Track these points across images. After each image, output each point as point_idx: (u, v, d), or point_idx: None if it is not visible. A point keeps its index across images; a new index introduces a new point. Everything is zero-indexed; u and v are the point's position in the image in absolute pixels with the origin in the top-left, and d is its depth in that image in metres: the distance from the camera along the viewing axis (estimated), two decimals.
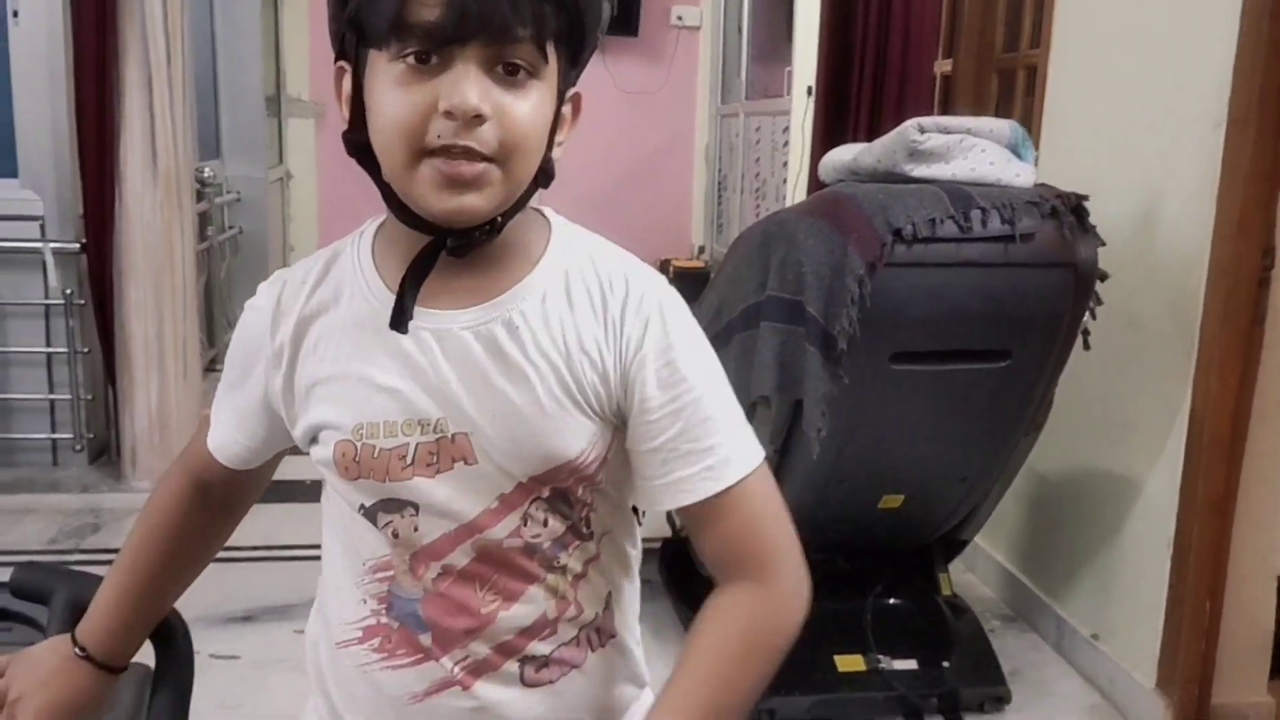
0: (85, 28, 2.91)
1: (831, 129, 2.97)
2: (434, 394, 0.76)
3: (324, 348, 0.80)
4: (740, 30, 5.17)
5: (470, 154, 0.70)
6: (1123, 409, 2.25)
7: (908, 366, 1.89)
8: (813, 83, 3.26)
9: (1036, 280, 1.88)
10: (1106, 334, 2.03)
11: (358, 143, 0.74)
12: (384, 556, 0.80)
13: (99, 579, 0.89)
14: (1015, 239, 1.83)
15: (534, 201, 0.79)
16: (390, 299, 0.77)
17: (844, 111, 2.95)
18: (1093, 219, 1.90)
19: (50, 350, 3.20)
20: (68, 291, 3.11)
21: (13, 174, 3.14)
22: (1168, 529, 2.08)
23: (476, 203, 0.71)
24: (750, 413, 2.01)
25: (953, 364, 1.91)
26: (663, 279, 0.81)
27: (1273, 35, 1.85)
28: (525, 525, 0.78)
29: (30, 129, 3.10)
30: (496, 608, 0.79)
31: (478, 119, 0.69)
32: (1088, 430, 2.36)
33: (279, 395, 0.82)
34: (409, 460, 0.76)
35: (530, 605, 0.79)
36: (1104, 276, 1.91)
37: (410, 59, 0.69)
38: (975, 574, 2.80)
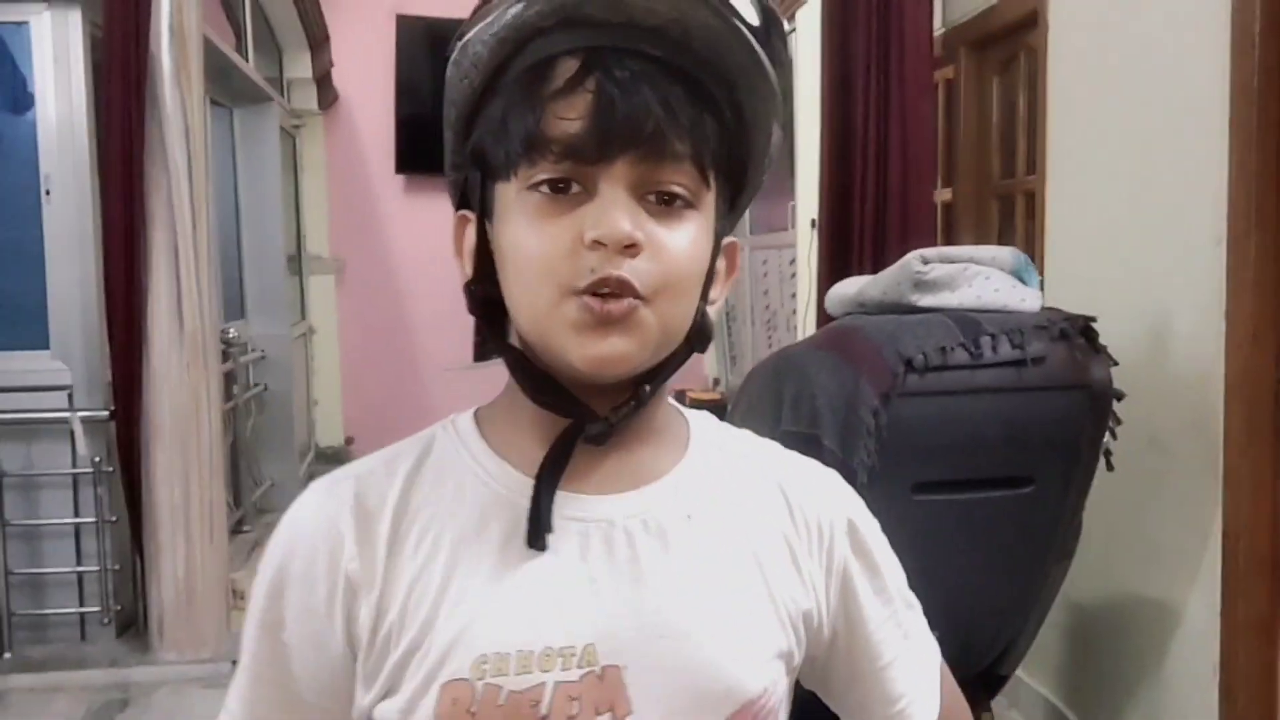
0: (113, 201, 3.03)
1: (836, 260, 3.03)
2: (583, 612, 0.60)
3: (433, 559, 0.61)
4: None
5: (623, 287, 0.57)
6: (1153, 531, 2.21)
7: (930, 497, 1.87)
8: (815, 216, 3.34)
9: (1052, 403, 1.87)
10: (1129, 455, 2.01)
11: (484, 296, 0.63)
12: None
13: None
14: (1027, 363, 1.83)
15: None
16: (524, 484, 0.62)
17: (848, 242, 3.01)
18: (1103, 339, 1.91)
19: (78, 520, 3.22)
20: (96, 459, 3.15)
21: (44, 345, 3.22)
22: (1212, 654, 2.01)
23: (624, 347, 0.58)
24: None
25: (976, 492, 1.89)
26: (831, 474, 0.74)
27: (1262, 153, 1.90)
28: None
29: (61, 301, 3.20)
30: None
31: (631, 248, 0.57)
32: (1120, 555, 2.31)
33: (356, 646, 0.62)
34: (545, 707, 0.58)
35: None
36: (1120, 396, 1.91)
37: (545, 188, 0.58)
38: (1019, 710, 2.70)
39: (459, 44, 0.62)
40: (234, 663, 0.69)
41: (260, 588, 0.64)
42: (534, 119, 0.58)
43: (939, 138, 3.12)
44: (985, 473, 1.89)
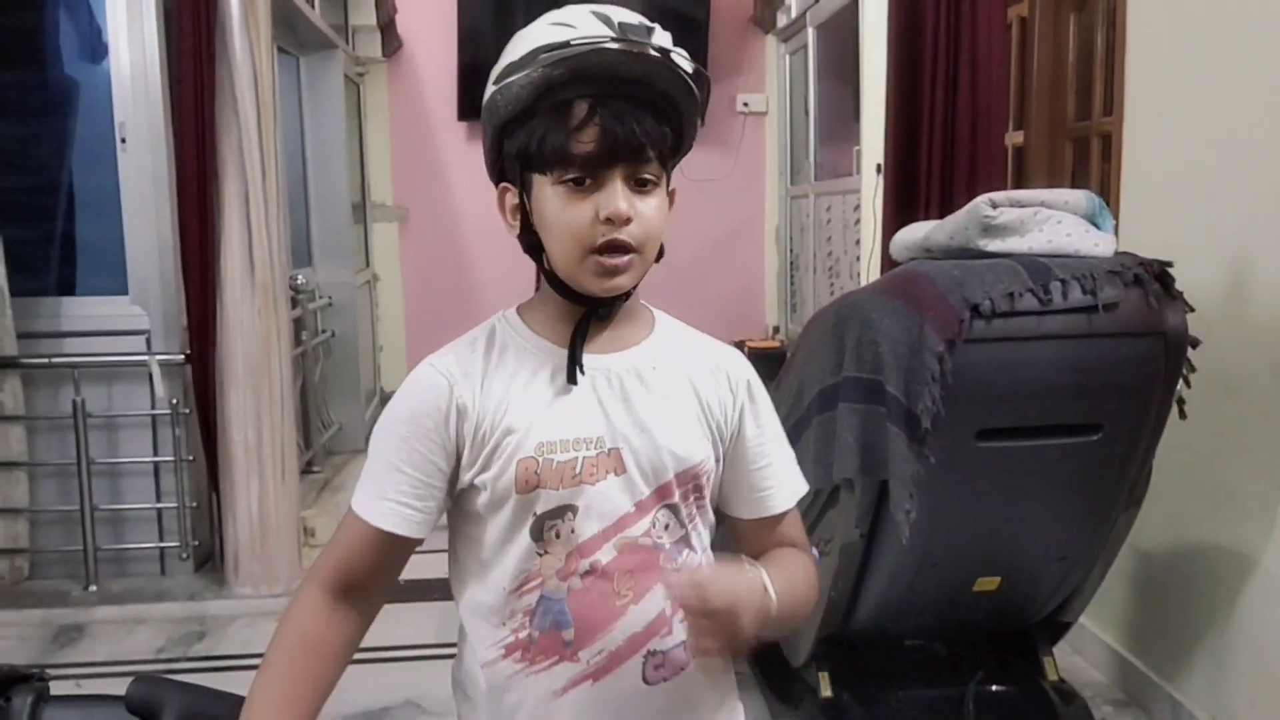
0: (186, 149, 3.09)
1: (902, 206, 2.98)
2: (597, 418, 0.98)
3: (506, 392, 0.98)
4: (807, 112, 5.24)
5: (623, 247, 0.94)
6: (1227, 478, 2.17)
7: (995, 444, 1.86)
8: (881, 161, 3.28)
9: (1123, 350, 1.84)
10: (1203, 402, 1.97)
11: (531, 243, 0.99)
12: (530, 571, 0.98)
13: (209, 691, 0.92)
14: (1098, 309, 1.79)
15: None
16: (558, 351, 1.00)
17: (914, 188, 2.96)
18: (1179, 285, 1.86)
19: (157, 459, 3.33)
20: (173, 401, 3.25)
21: (123, 291, 3.32)
22: None
23: (624, 282, 0.97)
24: (833, 496, 1.99)
25: (1041, 439, 1.87)
26: (743, 359, 1.10)
27: None
28: (654, 527, 0.99)
29: (138, 248, 3.28)
30: (628, 602, 0.97)
31: (627, 221, 0.94)
32: (1191, 502, 2.28)
33: (463, 445, 0.98)
34: (578, 470, 0.97)
35: (653, 603, 0.98)
36: (1195, 343, 1.86)
37: (570, 183, 0.94)
38: (1083, 656, 2.69)
39: (502, 83, 0.96)
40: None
41: (394, 412, 1.00)
42: (563, 140, 0.93)
43: (1011, 78, 3.03)
44: (1051, 420, 1.87)
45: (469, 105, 5.50)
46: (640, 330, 1.05)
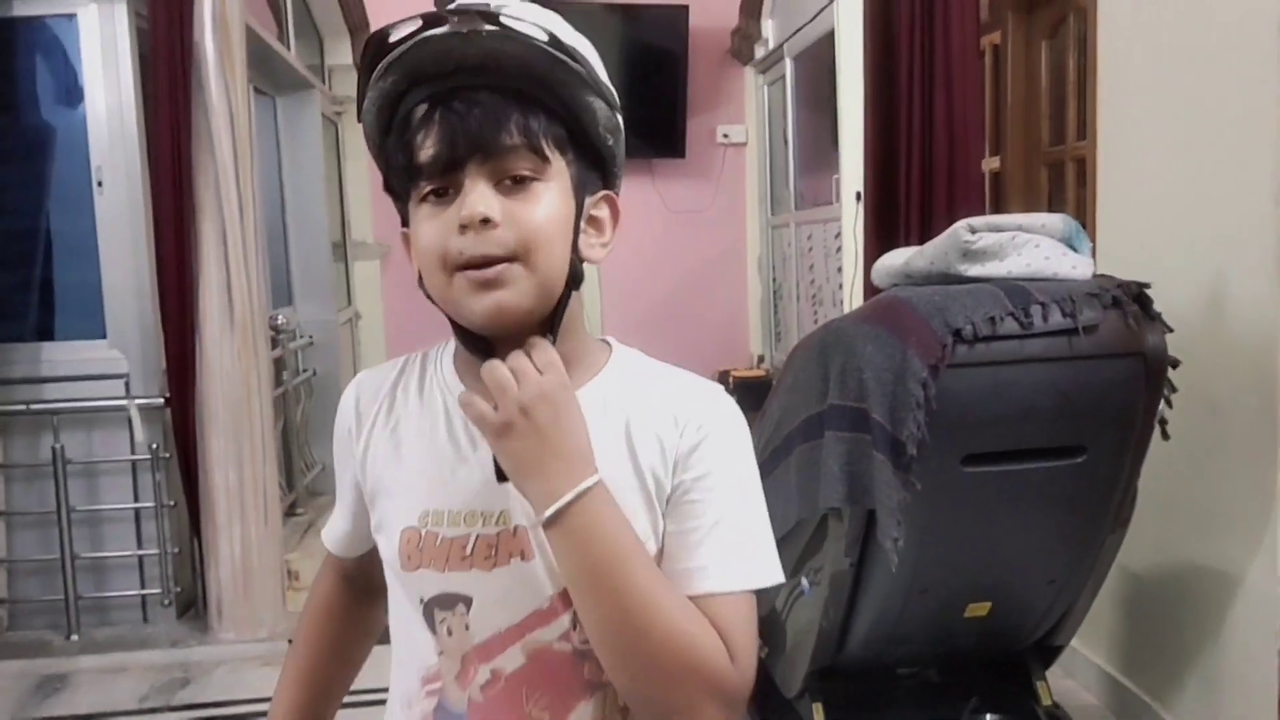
0: (163, 191, 3.08)
1: (882, 233, 2.99)
2: (499, 488, 0.78)
3: (397, 438, 0.86)
4: (786, 142, 5.28)
5: (490, 259, 0.76)
6: (1212, 498, 2.17)
7: (981, 468, 1.85)
8: (861, 189, 3.30)
9: (1105, 372, 1.84)
10: (1186, 422, 1.97)
11: (425, 289, 0.82)
12: (434, 665, 0.82)
13: None
14: (1078, 331, 1.80)
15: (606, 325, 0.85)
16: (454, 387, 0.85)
17: (894, 215, 2.97)
18: (1158, 306, 1.87)
19: (138, 505, 3.29)
20: (153, 446, 3.21)
21: (101, 334, 3.29)
22: (1273, 622, 1.97)
23: (507, 298, 0.77)
24: (822, 525, 1.98)
25: (1027, 463, 1.87)
26: (718, 397, 0.86)
27: None
28: (575, 629, 0.78)
29: (116, 291, 3.26)
30: None
31: (487, 223, 0.76)
32: (1177, 522, 2.27)
33: (364, 485, 0.89)
34: (469, 551, 0.80)
35: None
36: (1175, 363, 1.87)
37: (430, 197, 0.79)
38: (1075, 680, 2.67)
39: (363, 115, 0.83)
40: (290, 641, 0.99)
41: None
42: (407, 155, 0.79)
43: (986, 105, 3.06)
44: (1037, 443, 1.87)
45: None
46: (582, 373, 0.83)
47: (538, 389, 0.75)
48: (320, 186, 4.84)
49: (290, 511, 4.17)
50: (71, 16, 3.25)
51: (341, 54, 5.31)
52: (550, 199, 0.79)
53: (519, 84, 0.78)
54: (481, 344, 0.80)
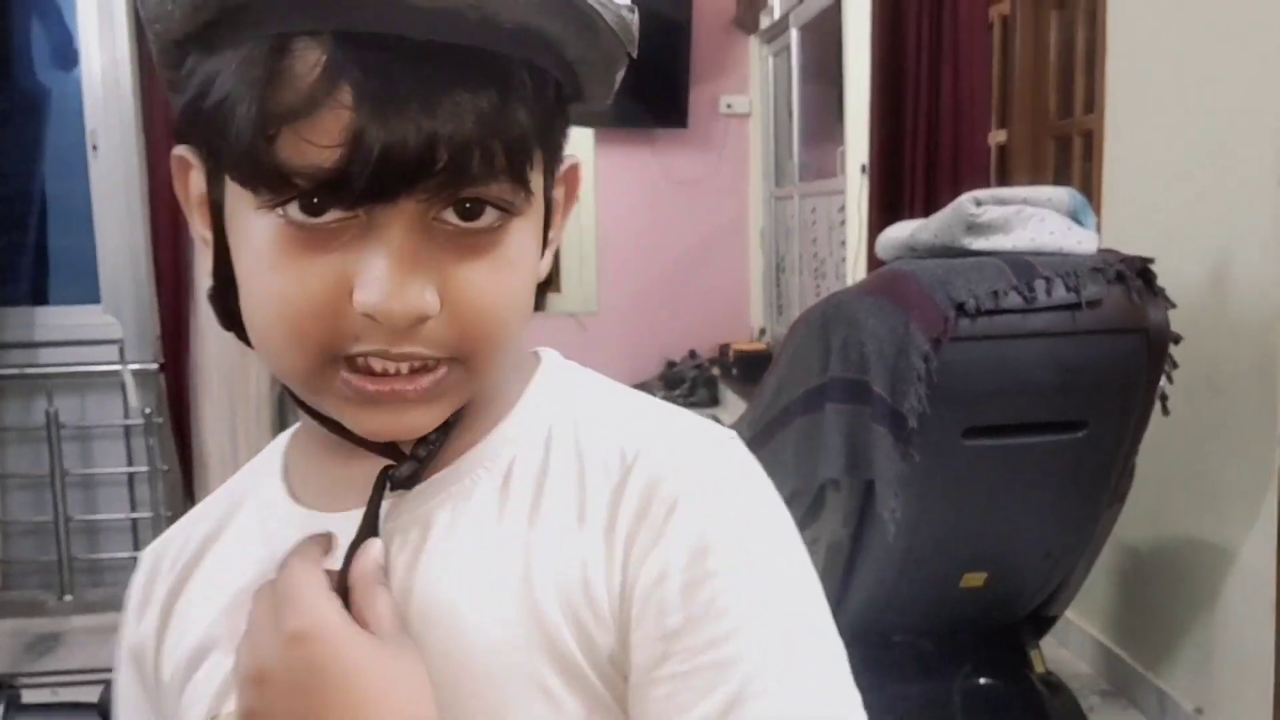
0: (159, 155, 3.06)
1: (887, 206, 2.97)
2: None
3: (208, 601, 0.54)
4: (790, 114, 5.23)
5: (416, 359, 0.45)
6: (1210, 474, 2.17)
7: (981, 441, 1.85)
8: (866, 161, 3.27)
9: (1107, 347, 1.83)
10: (1186, 398, 1.96)
11: (228, 311, 0.49)
12: None
13: None
14: (1081, 306, 1.79)
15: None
16: (311, 525, 0.50)
17: (899, 188, 2.95)
18: (1161, 281, 1.85)
19: (132, 470, 3.29)
20: (147, 411, 3.20)
21: (96, 299, 3.27)
22: (1268, 593, 1.97)
23: (426, 420, 0.47)
24: (820, 496, 1.98)
25: (1027, 437, 1.86)
26: (711, 438, 0.52)
27: None
28: None
29: (110, 256, 3.25)
30: None
31: (421, 320, 0.43)
32: (1175, 497, 2.27)
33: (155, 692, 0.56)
34: None
35: None
36: (1177, 339, 1.85)
37: (294, 207, 0.43)
38: (1069, 649, 2.68)
39: None
40: None
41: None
42: (266, 140, 0.41)
43: (993, 77, 3.03)
44: (1037, 417, 1.86)
45: None
46: (470, 431, 0.51)
47: (259, 671, 0.44)
48: None
49: None
50: None
51: None
52: (520, 246, 0.47)
53: (496, 41, 0.43)
54: (357, 439, 0.48)
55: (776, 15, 5.28)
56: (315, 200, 0.42)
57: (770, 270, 5.68)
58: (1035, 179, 3.02)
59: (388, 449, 0.49)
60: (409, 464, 0.49)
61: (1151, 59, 2.38)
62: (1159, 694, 2.33)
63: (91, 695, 0.93)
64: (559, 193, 0.52)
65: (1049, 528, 2.00)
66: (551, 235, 0.52)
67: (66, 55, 3.33)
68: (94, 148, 3.21)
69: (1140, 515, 2.19)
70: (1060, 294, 1.80)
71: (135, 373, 3.17)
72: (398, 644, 0.44)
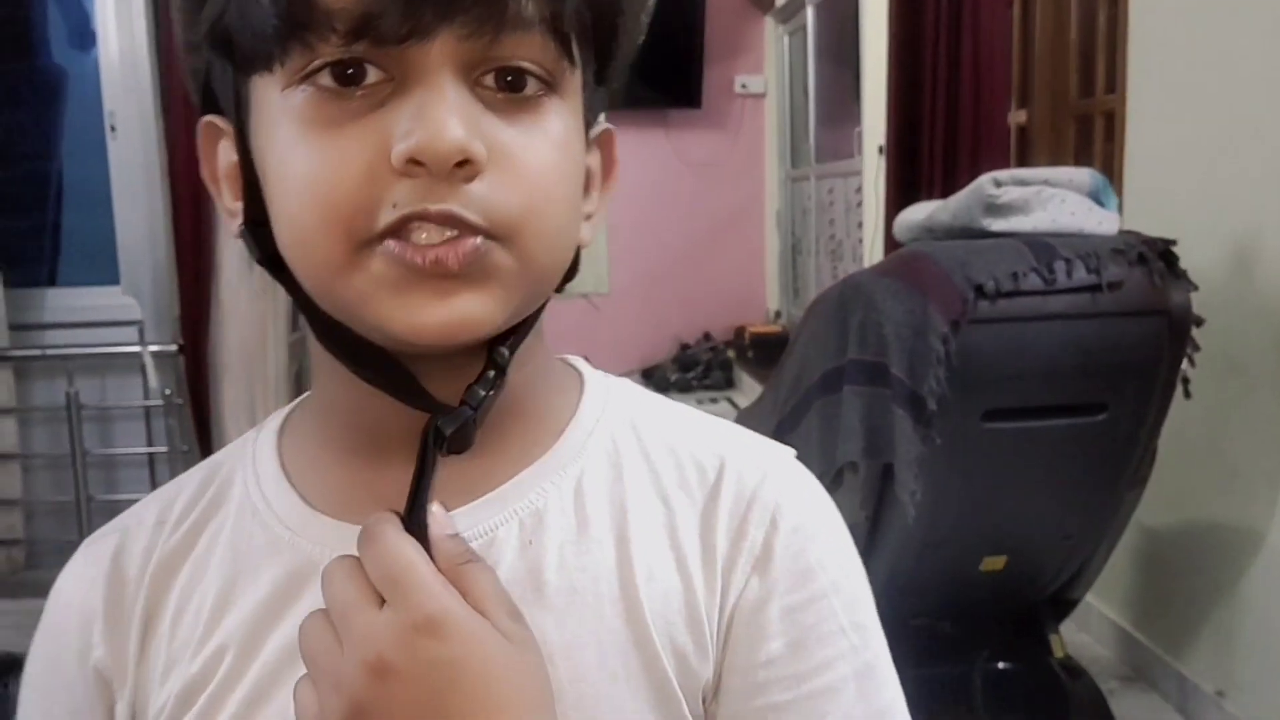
0: (178, 135, 3.06)
1: (905, 187, 2.95)
2: None
3: (194, 633, 0.47)
4: (806, 93, 5.20)
5: (454, 224, 0.40)
6: (1232, 456, 2.16)
7: (1000, 424, 1.84)
8: (883, 142, 3.25)
9: (1128, 329, 1.82)
10: (1208, 380, 1.95)
11: (262, 241, 0.45)
12: None
13: None
14: (1102, 288, 1.78)
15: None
16: (321, 529, 0.47)
17: (916, 169, 2.93)
18: (1184, 263, 1.84)
19: (152, 450, 3.31)
20: (166, 392, 3.22)
21: (114, 281, 3.29)
22: None
23: (477, 309, 0.41)
24: (838, 479, 1.98)
25: (1047, 420, 1.85)
26: (786, 455, 0.51)
27: None
28: None
29: (129, 237, 3.26)
30: None
31: (465, 167, 0.40)
32: (1196, 480, 2.26)
33: None
34: None
35: None
36: (1199, 322, 1.84)
37: (326, 77, 0.40)
38: (1089, 633, 2.68)
39: None
40: None
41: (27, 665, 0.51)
42: None
43: (1013, 56, 3.00)
44: (1057, 400, 1.85)
45: None
46: (533, 441, 0.49)
47: (380, 662, 0.39)
48: None
49: None
50: None
51: None
52: (564, 128, 0.44)
53: None
54: (390, 370, 0.44)
55: None
56: (347, 62, 0.40)
57: (786, 252, 5.66)
58: (1056, 159, 2.99)
59: (430, 403, 0.43)
60: (454, 417, 0.43)
61: (1173, 38, 2.35)
62: (1179, 678, 2.33)
63: None
64: (594, 158, 0.49)
65: (1069, 511, 1.99)
66: (590, 205, 0.49)
67: (84, 36, 3.33)
68: (112, 129, 3.22)
69: (1162, 498, 2.18)
70: (1081, 276, 1.79)
71: (155, 354, 3.18)
72: (523, 639, 0.41)
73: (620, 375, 0.55)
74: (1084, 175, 1.96)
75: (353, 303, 0.42)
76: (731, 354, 5.35)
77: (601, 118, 0.49)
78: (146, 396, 3.23)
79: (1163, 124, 2.41)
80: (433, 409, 0.43)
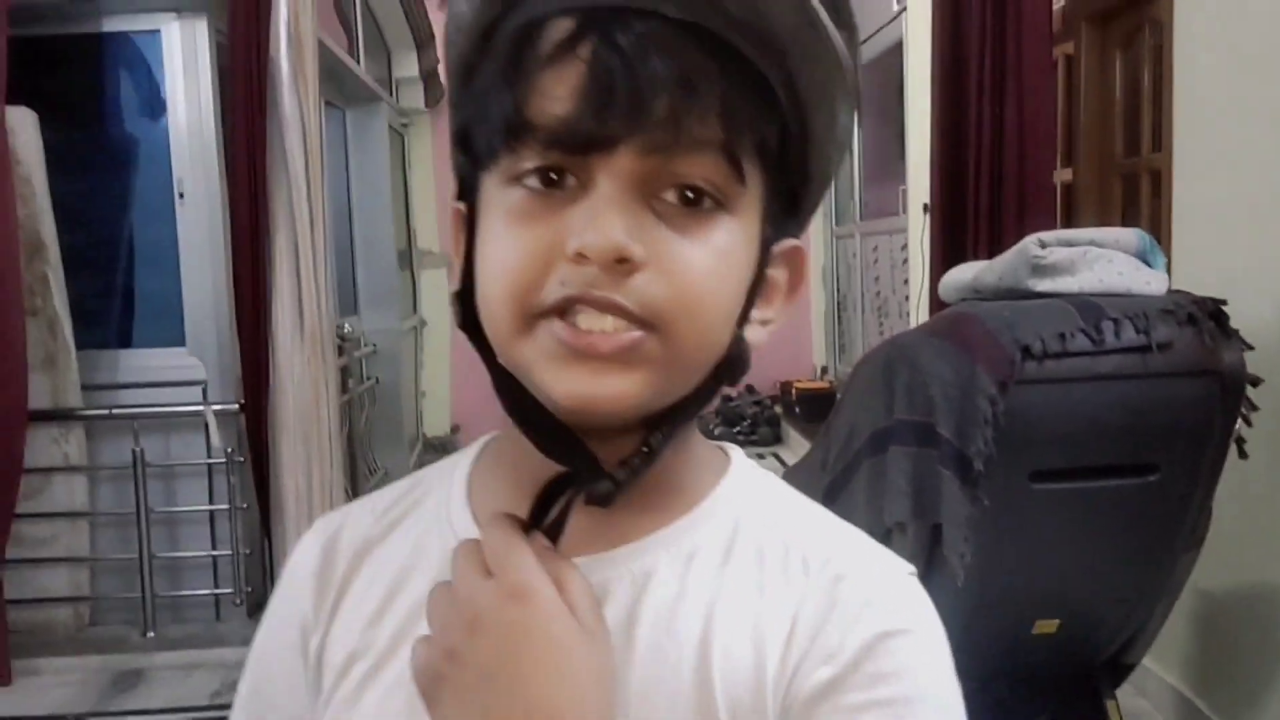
0: (240, 203, 3.16)
1: (950, 245, 2.97)
2: None
3: (376, 622, 0.55)
4: (851, 152, 5.25)
5: (612, 310, 0.46)
6: None
7: (1049, 485, 1.83)
8: (928, 200, 3.27)
9: (1178, 390, 1.81)
10: (1265, 440, 1.92)
11: (466, 311, 0.52)
12: None
13: None
14: (1152, 348, 1.77)
15: None
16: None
17: (962, 227, 2.94)
18: (1236, 322, 1.83)
19: (213, 508, 3.38)
20: (228, 450, 3.30)
21: (181, 342, 3.39)
22: None
23: (621, 387, 0.47)
24: (886, 539, 1.97)
25: (1097, 481, 1.84)
26: (902, 566, 0.55)
27: None
28: None
29: (195, 300, 3.36)
30: None
31: (624, 264, 0.45)
32: (1255, 542, 2.22)
33: (311, 681, 0.57)
34: None
35: None
36: (1256, 382, 1.82)
37: (533, 180, 0.47)
38: (1147, 699, 2.62)
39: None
40: None
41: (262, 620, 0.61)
42: (516, 96, 0.47)
43: (1058, 114, 3.02)
44: (1107, 460, 1.84)
45: None
46: (667, 510, 0.54)
47: (474, 617, 0.46)
48: (387, 196, 4.94)
49: None
50: (155, 33, 3.36)
51: (408, 67, 5.41)
52: (731, 242, 0.49)
53: (735, 34, 0.47)
54: (557, 436, 0.50)
55: None
56: (549, 168, 0.47)
57: (832, 308, 5.67)
58: (1102, 218, 2.99)
59: (586, 461, 0.49)
60: (606, 481, 0.49)
61: (1218, 95, 2.36)
62: None
63: None
64: (778, 272, 0.54)
65: (1122, 573, 1.96)
66: (769, 313, 0.54)
67: (154, 106, 3.47)
68: (180, 195, 3.34)
69: (1219, 560, 2.14)
70: (1129, 336, 1.78)
71: (217, 413, 3.26)
72: (596, 632, 0.47)
73: None
74: (1131, 235, 1.96)
75: (523, 367, 0.49)
76: (779, 409, 5.35)
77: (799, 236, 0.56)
78: (209, 454, 3.31)
79: (1209, 181, 2.40)
80: (585, 466, 0.49)
